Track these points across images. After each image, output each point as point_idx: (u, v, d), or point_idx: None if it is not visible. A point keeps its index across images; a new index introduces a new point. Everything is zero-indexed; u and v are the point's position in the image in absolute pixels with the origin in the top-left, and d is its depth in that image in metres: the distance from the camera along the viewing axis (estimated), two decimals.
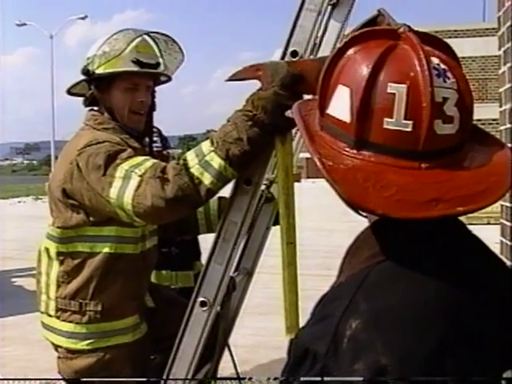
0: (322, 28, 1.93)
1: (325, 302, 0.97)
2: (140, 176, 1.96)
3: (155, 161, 2.05)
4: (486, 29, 23.03)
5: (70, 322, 2.31)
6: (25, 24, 39.17)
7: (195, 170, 1.86)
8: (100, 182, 2.05)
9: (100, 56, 2.30)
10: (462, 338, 0.87)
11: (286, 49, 1.78)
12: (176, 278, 3.57)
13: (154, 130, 3.55)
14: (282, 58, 1.78)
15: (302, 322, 1.88)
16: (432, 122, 0.88)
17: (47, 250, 2.35)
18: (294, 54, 1.77)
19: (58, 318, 2.33)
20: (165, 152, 3.44)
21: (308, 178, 52.82)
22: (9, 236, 13.01)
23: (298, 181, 41.15)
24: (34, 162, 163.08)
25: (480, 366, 0.87)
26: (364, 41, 0.96)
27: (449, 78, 0.92)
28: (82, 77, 2.35)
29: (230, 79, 1.76)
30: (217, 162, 1.83)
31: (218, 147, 1.82)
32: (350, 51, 0.96)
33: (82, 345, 2.30)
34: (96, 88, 2.35)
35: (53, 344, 2.40)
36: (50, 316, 2.36)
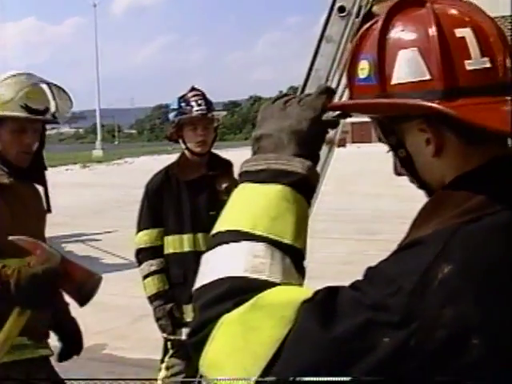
0: None
1: (407, 243, 0.92)
2: None
3: None
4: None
5: None
6: None
7: None
8: None
9: None
10: None
11: (334, 4, 1.71)
12: None
13: (199, 93, 3.49)
14: (329, 13, 1.71)
15: None
16: (506, 52, 0.96)
17: None
18: (341, 9, 1.70)
19: None
20: (209, 115, 3.40)
21: (353, 142, 52.48)
22: (57, 203, 13.29)
23: (344, 146, 40.95)
24: (81, 130, 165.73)
25: None
26: (400, 11, 1.01)
27: None
28: None
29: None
30: None
31: None
32: (394, 21, 1.00)
33: None
34: None
35: None
36: None
